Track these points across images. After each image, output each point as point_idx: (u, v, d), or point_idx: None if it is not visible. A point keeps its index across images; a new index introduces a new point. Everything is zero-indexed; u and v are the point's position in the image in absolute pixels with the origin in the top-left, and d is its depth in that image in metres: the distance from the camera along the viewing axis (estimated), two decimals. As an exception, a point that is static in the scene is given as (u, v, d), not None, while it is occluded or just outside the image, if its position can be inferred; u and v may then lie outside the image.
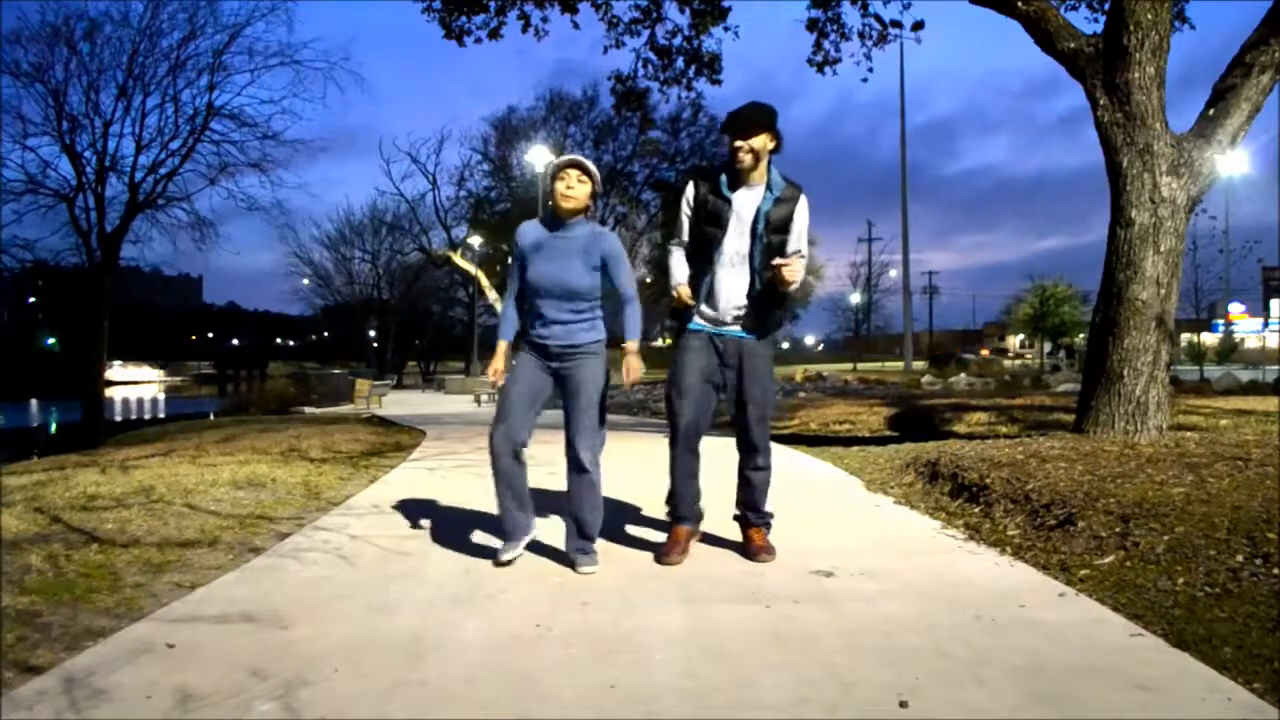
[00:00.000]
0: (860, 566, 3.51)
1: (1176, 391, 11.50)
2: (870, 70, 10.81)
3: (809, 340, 78.24)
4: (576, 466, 3.62)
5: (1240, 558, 3.14)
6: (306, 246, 51.16)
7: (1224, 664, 2.42)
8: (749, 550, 3.71)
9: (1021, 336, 53.01)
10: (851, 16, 10.63)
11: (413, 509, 4.97)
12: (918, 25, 10.68)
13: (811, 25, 10.45)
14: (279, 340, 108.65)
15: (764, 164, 3.61)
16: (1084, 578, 3.26)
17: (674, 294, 3.69)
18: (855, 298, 68.66)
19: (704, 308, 3.67)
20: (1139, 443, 5.47)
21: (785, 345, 64.47)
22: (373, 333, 54.55)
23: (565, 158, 3.62)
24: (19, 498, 4.80)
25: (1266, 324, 38.33)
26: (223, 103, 24.94)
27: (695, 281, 3.68)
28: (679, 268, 3.73)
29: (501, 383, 3.69)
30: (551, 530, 4.27)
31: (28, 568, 3.48)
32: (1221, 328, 45.44)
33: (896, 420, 10.76)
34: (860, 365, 51.51)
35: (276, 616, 2.98)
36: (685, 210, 3.71)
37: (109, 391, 32.96)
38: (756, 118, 3.56)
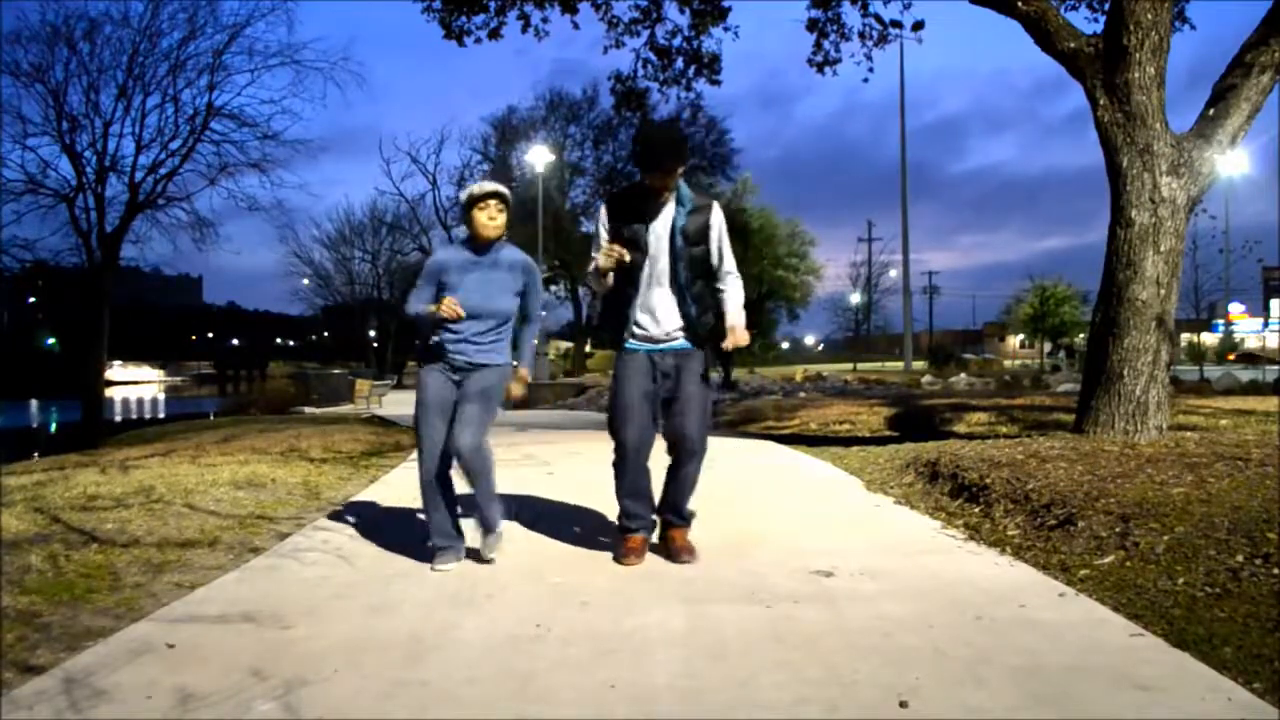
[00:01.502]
0: (860, 566, 3.51)
1: (1176, 391, 11.50)
2: (871, 70, 10.80)
3: (809, 340, 78.20)
4: (457, 454, 3.64)
5: (1240, 558, 3.14)
6: (306, 246, 51.22)
7: (1224, 664, 2.42)
8: (670, 551, 3.70)
9: (1021, 336, 53.01)
10: (852, 16, 10.56)
11: (413, 509, 4.96)
12: (918, 25, 10.68)
13: (811, 25, 10.44)
14: (279, 340, 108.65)
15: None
16: (1084, 578, 3.26)
17: (601, 259, 3.58)
18: (855, 298, 68.69)
19: (637, 329, 3.65)
20: (1139, 443, 5.46)
21: (785, 345, 64.48)
22: (373, 333, 54.56)
23: (484, 188, 3.66)
24: (19, 498, 4.80)
25: (1266, 324, 38.33)
26: (223, 103, 24.90)
27: (624, 307, 3.65)
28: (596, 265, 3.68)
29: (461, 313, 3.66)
30: (549, 530, 4.27)
31: (28, 568, 3.48)
32: (1221, 328, 45.45)
33: (896, 420, 10.75)
34: (860, 365, 51.49)
35: (276, 616, 2.98)
36: (602, 233, 3.68)
37: (109, 391, 32.95)
38: (677, 154, 3.57)
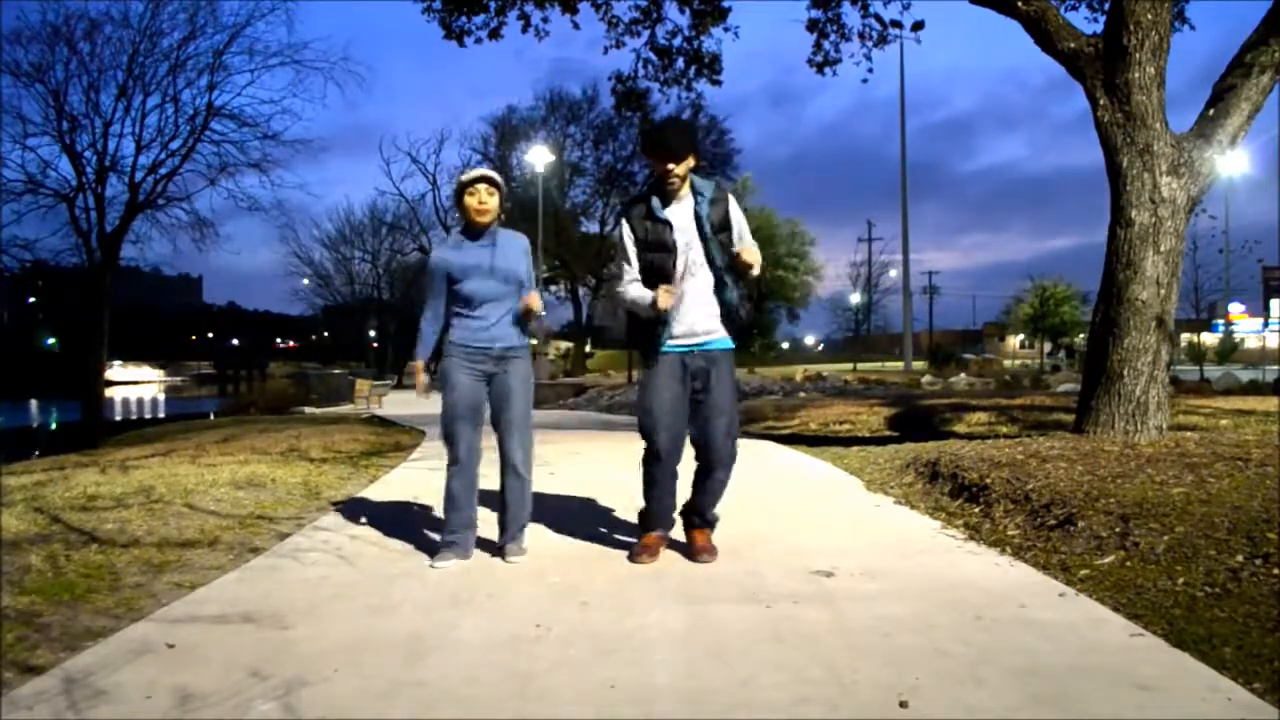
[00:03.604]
0: (860, 566, 3.51)
1: (1176, 391, 11.50)
2: (870, 71, 10.78)
3: (809, 340, 78.18)
4: (510, 470, 3.73)
5: (1240, 558, 3.14)
6: (306, 246, 51.35)
7: (1224, 664, 2.42)
8: (692, 550, 3.71)
9: (1021, 336, 53.02)
10: (851, 17, 10.55)
11: (413, 509, 4.97)
12: (918, 25, 10.67)
13: (811, 26, 10.43)
14: (279, 340, 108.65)
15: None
16: (1084, 578, 3.26)
17: (656, 307, 3.53)
18: (855, 298, 68.72)
19: (673, 328, 3.62)
20: (1139, 443, 5.46)
21: (785, 345, 64.52)
22: (373, 333, 54.62)
23: (474, 173, 3.71)
24: (19, 498, 4.80)
25: (1266, 324, 38.33)
26: (223, 103, 24.94)
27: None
28: (642, 292, 3.61)
29: (425, 396, 3.83)
30: (549, 530, 4.27)
31: (28, 568, 3.48)
32: (1221, 328, 45.41)
33: (896, 420, 10.75)
34: (860, 365, 51.48)
35: (276, 616, 2.98)
36: (629, 246, 3.65)
37: (109, 391, 32.95)
38: (685, 141, 3.58)
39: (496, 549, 3.78)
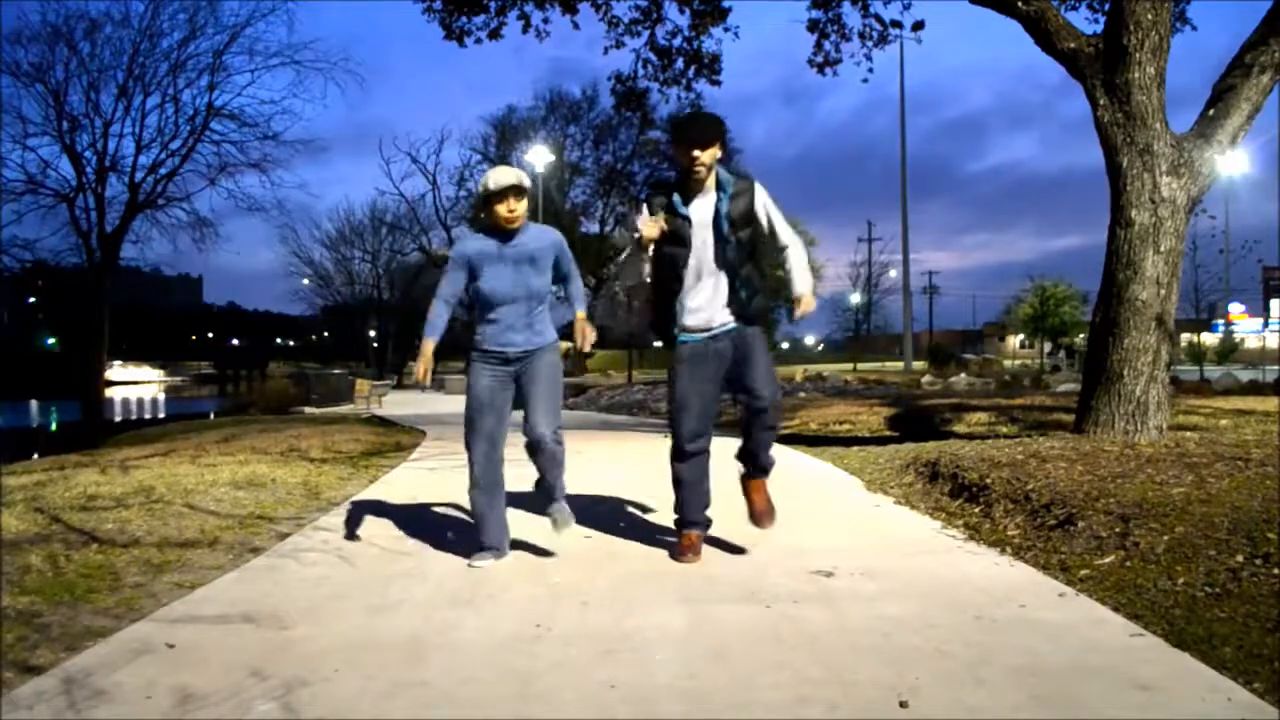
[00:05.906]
0: (860, 566, 3.51)
1: (1176, 391, 11.49)
2: (870, 71, 10.81)
3: (809, 340, 78.24)
4: (539, 443, 3.62)
5: (1240, 558, 3.14)
6: (306, 246, 51.38)
7: (1224, 664, 2.42)
8: (752, 513, 3.75)
9: (1021, 336, 53.00)
10: (852, 17, 10.56)
11: (413, 509, 4.96)
12: (918, 25, 10.69)
13: (812, 26, 10.44)
14: (279, 340, 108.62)
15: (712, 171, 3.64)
16: (1084, 578, 3.26)
17: (645, 229, 3.54)
18: (855, 298, 68.72)
19: (688, 321, 3.64)
20: (1139, 443, 5.46)
21: (785, 345, 64.54)
22: (373, 333, 54.60)
23: (504, 181, 3.56)
24: (19, 498, 4.80)
25: (1266, 324, 38.34)
26: (223, 103, 25.02)
27: (670, 300, 3.64)
28: (632, 247, 3.66)
29: (427, 383, 3.74)
30: (549, 530, 4.27)
31: (28, 568, 3.48)
32: (1221, 328, 45.40)
33: (896, 420, 10.74)
34: (860, 365, 51.51)
35: (276, 616, 2.98)
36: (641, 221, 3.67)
37: (109, 391, 32.94)
38: (713, 130, 3.60)
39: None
